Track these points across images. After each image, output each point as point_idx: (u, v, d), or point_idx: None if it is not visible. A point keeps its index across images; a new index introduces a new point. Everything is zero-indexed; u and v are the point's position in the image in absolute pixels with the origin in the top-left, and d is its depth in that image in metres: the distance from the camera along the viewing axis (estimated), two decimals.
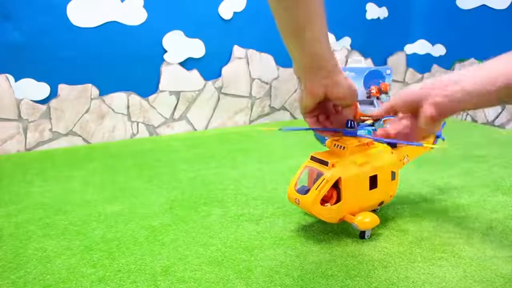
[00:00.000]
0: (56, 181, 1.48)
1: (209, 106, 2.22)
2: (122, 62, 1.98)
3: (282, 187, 1.41)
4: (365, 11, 2.50)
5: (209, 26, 2.12)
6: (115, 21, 1.92)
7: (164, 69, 2.07)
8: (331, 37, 2.44)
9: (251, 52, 2.25)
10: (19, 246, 1.05)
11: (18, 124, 1.83)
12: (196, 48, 2.12)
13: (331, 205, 1.01)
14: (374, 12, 2.52)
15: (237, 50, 2.22)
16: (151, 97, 2.07)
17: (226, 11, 2.14)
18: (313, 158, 1.06)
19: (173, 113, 2.14)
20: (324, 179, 1.00)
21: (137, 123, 2.07)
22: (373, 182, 1.05)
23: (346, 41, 2.49)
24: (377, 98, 1.97)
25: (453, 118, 2.44)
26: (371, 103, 1.94)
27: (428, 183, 1.42)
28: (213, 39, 2.14)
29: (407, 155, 1.17)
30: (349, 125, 1.02)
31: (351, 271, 0.93)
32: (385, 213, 1.21)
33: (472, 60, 2.34)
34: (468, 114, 2.36)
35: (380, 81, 2.02)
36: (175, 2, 2.03)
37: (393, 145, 1.12)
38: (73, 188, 1.41)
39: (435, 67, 2.57)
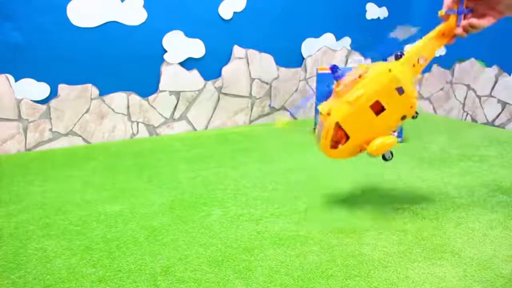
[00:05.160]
0: (56, 181, 1.48)
1: (209, 106, 2.22)
2: (122, 62, 1.98)
3: (282, 187, 1.41)
4: (365, 11, 2.50)
5: (209, 26, 2.12)
6: (115, 21, 1.92)
7: (164, 69, 2.07)
8: (331, 37, 2.44)
9: (251, 52, 2.25)
10: (19, 246, 1.05)
11: (18, 124, 1.83)
12: (196, 48, 2.12)
13: (343, 145, 1.10)
14: (374, 12, 2.52)
15: (237, 50, 2.22)
16: (151, 97, 2.07)
17: (226, 11, 2.14)
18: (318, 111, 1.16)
19: (173, 113, 2.14)
20: (325, 128, 1.10)
21: (137, 123, 2.07)
22: (377, 108, 1.08)
23: (346, 41, 2.49)
24: None
25: (453, 118, 2.44)
26: None
27: (428, 183, 1.43)
28: (213, 39, 2.14)
29: (422, 57, 1.13)
30: (333, 71, 1.08)
31: (351, 271, 0.93)
32: (385, 213, 1.21)
33: (472, 60, 2.34)
34: (468, 114, 2.36)
35: None
36: (175, 2, 2.03)
37: (397, 57, 1.11)
38: (73, 188, 1.41)
39: (435, 67, 2.57)
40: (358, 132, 1.09)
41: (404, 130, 1.93)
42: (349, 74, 1.10)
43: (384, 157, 1.11)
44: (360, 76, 1.08)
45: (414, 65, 1.12)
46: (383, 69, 1.09)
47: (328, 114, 1.09)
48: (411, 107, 1.11)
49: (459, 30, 1.13)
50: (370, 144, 1.09)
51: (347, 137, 1.10)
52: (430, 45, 1.13)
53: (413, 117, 1.12)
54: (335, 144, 1.11)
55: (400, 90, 1.08)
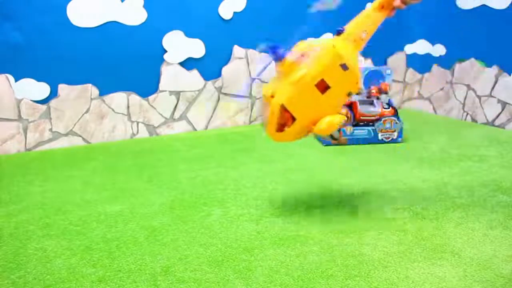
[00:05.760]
0: (56, 181, 1.48)
1: (209, 106, 2.22)
2: (122, 62, 1.98)
3: (282, 187, 1.41)
4: None
5: (209, 26, 2.12)
6: (115, 21, 1.92)
7: (164, 69, 2.07)
8: (331, 37, 2.44)
9: (251, 52, 2.25)
10: (19, 246, 1.05)
11: (18, 124, 1.83)
12: (196, 48, 2.12)
13: (289, 127, 1.06)
14: None
15: (237, 50, 2.22)
16: (151, 97, 2.07)
17: (226, 11, 2.14)
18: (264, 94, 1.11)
19: (173, 113, 2.14)
20: (270, 111, 1.05)
21: (137, 123, 2.07)
22: (322, 86, 1.05)
23: None
24: (377, 98, 1.97)
25: (453, 118, 2.44)
26: (371, 103, 1.94)
27: (428, 183, 1.42)
28: (213, 39, 2.14)
29: (364, 31, 1.12)
30: (273, 52, 1.04)
31: (351, 271, 0.93)
32: (385, 213, 1.21)
33: (472, 60, 2.34)
34: (468, 114, 2.36)
35: (380, 81, 2.02)
36: (175, 2, 2.03)
37: (338, 32, 1.10)
38: (73, 188, 1.41)
39: (435, 67, 2.57)
40: (304, 113, 1.05)
41: (404, 130, 1.93)
42: (291, 53, 1.06)
43: (332, 137, 1.09)
44: (303, 55, 1.05)
45: (355, 40, 1.10)
46: (326, 46, 1.06)
47: (272, 96, 1.05)
48: (356, 83, 1.09)
49: (397, 2, 1.13)
50: (318, 123, 1.06)
51: (293, 119, 1.06)
52: (370, 19, 1.12)
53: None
54: (281, 127, 1.07)
55: (344, 67, 1.05)
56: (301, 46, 1.07)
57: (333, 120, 1.05)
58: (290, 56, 1.04)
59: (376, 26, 1.13)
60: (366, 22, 1.11)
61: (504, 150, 1.78)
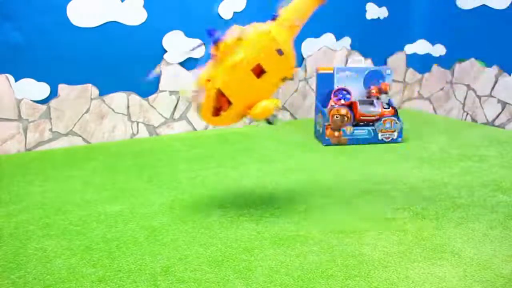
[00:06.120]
0: (56, 181, 1.48)
1: None
2: (122, 62, 1.98)
3: (282, 187, 1.41)
4: (365, 11, 2.50)
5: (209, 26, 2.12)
6: (115, 21, 1.92)
7: (164, 69, 2.07)
8: (331, 37, 2.44)
9: None
10: (19, 246, 1.05)
11: (18, 124, 1.83)
12: (196, 48, 2.11)
13: (225, 111, 1.07)
14: (374, 12, 2.52)
15: None
16: (151, 97, 2.07)
17: (226, 11, 2.13)
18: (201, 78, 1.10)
19: (173, 113, 2.14)
20: (206, 95, 1.06)
21: (137, 123, 2.07)
22: (258, 71, 1.06)
23: (346, 41, 2.48)
24: (377, 98, 1.97)
25: (453, 118, 2.44)
26: (371, 103, 1.94)
27: (428, 183, 1.42)
28: None
29: (298, 18, 1.13)
30: (210, 35, 1.04)
31: (351, 271, 0.93)
32: (385, 213, 1.21)
33: (472, 60, 2.34)
34: (468, 114, 2.36)
35: (380, 81, 2.02)
36: (175, 2, 2.03)
37: (273, 18, 1.11)
38: (73, 188, 1.41)
39: (435, 67, 2.56)
40: (240, 97, 1.06)
41: (404, 130, 1.93)
42: (227, 37, 1.06)
43: (268, 121, 1.09)
44: (239, 39, 1.05)
45: (291, 26, 1.11)
46: (262, 30, 1.07)
47: (208, 80, 1.05)
48: (291, 68, 1.10)
49: None
50: (253, 108, 1.07)
51: (229, 103, 1.07)
52: (304, 5, 1.12)
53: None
54: (216, 111, 1.08)
55: (280, 52, 1.06)
56: (236, 30, 1.07)
57: (268, 105, 1.07)
58: (226, 39, 1.04)
59: (310, 13, 1.14)
60: (300, 9, 1.12)
61: (504, 150, 1.78)
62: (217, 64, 1.06)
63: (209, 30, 1.05)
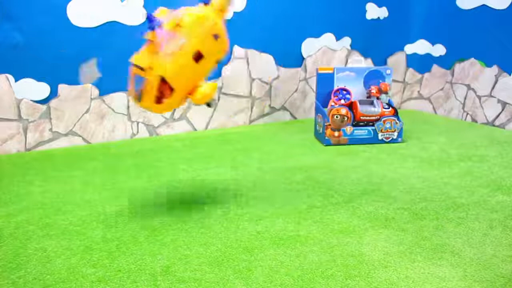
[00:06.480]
0: (56, 181, 1.48)
1: None
2: (122, 62, 1.97)
3: (282, 187, 1.41)
4: (365, 11, 2.50)
5: None
6: (115, 21, 1.92)
7: None
8: (331, 37, 2.44)
9: (251, 52, 2.25)
10: (19, 246, 1.05)
11: (18, 124, 1.83)
12: None
13: (168, 98, 1.07)
14: (374, 12, 2.52)
15: (237, 50, 2.22)
16: None
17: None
18: (133, 65, 1.08)
19: (173, 113, 2.14)
20: (147, 83, 1.05)
21: (137, 123, 2.07)
22: (197, 55, 1.07)
23: (346, 41, 2.49)
24: (377, 98, 1.97)
25: (453, 118, 2.44)
26: (371, 103, 1.94)
27: (428, 183, 1.43)
28: None
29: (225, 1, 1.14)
30: (149, 20, 1.03)
31: (351, 271, 0.93)
32: (385, 213, 1.21)
33: (472, 60, 2.34)
34: (468, 114, 2.36)
35: (380, 81, 2.02)
36: (175, 2, 2.03)
37: (205, 3, 1.12)
38: (73, 188, 1.41)
39: (435, 67, 2.57)
40: (182, 84, 1.07)
41: (404, 130, 1.93)
42: (165, 23, 1.06)
43: (208, 104, 1.11)
44: (178, 25, 1.05)
45: (221, 10, 1.13)
46: (200, 16, 1.08)
47: (151, 68, 1.04)
48: (224, 50, 1.12)
49: None
50: (195, 93, 1.08)
51: (171, 90, 1.07)
52: None
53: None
54: (158, 100, 1.07)
55: (216, 36, 1.09)
56: (169, 15, 1.07)
57: (208, 89, 1.10)
58: (165, 25, 1.04)
59: None
60: None
61: (504, 150, 1.78)
62: (155, 51, 1.05)
63: (149, 15, 1.04)
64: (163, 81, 1.05)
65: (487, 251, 1.00)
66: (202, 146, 1.90)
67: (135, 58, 1.08)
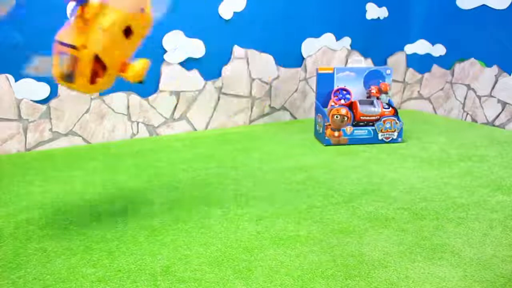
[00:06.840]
0: (56, 181, 1.48)
1: (209, 106, 2.22)
2: None
3: (282, 187, 1.41)
4: (365, 11, 2.50)
5: (209, 26, 2.12)
6: None
7: (164, 69, 2.07)
8: (331, 37, 2.44)
9: (251, 52, 2.25)
10: (19, 246, 1.05)
11: (18, 124, 1.83)
12: (196, 48, 2.12)
13: (102, 77, 1.04)
14: (374, 12, 2.52)
15: (237, 50, 2.22)
16: (151, 97, 2.07)
17: (226, 11, 2.14)
18: (62, 43, 1.01)
19: (173, 113, 2.14)
20: (81, 63, 0.99)
21: (137, 123, 2.07)
22: (127, 31, 1.04)
23: (346, 41, 2.49)
24: (377, 98, 1.97)
25: (453, 118, 2.44)
26: (371, 103, 1.94)
27: (428, 183, 1.43)
28: (213, 39, 2.14)
29: None
30: None
31: (351, 271, 0.93)
32: (385, 213, 1.21)
33: (472, 60, 2.34)
34: (468, 114, 2.36)
35: (380, 81, 2.02)
36: (175, 2, 2.03)
37: None
38: (73, 188, 1.41)
39: (435, 67, 2.57)
40: (115, 61, 1.04)
41: (404, 130, 1.93)
42: None
43: (139, 81, 1.09)
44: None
45: None
46: None
47: (84, 46, 0.98)
48: (149, 25, 1.09)
49: None
50: (129, 71, 1.06)
51: (104, 68, 1.03)
52: None
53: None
54: (93, 79, 1.03)
55: (142, 10, 1.05)
56: None
57: (141, 66, 1.08)
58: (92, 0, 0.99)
59: None
60: None
61: (504, 150, 1.78)
62: (85, 28, 0.99)
63: None
64: (96, 59, 1.00)
65: (487, 251, 1.00)
66: (202, 146, 1.90)
67: (61, 36, 1.01)
